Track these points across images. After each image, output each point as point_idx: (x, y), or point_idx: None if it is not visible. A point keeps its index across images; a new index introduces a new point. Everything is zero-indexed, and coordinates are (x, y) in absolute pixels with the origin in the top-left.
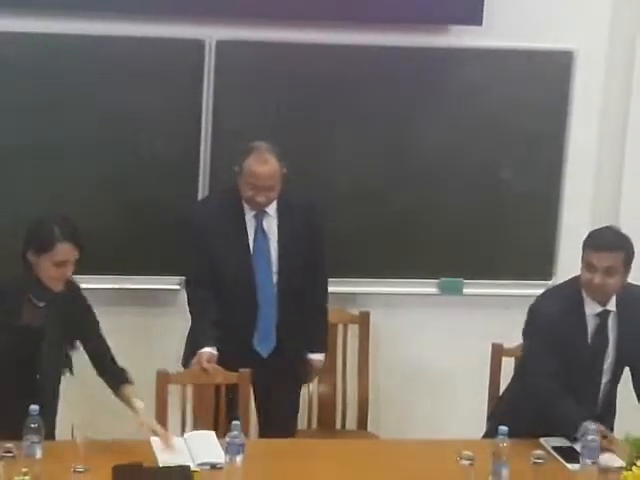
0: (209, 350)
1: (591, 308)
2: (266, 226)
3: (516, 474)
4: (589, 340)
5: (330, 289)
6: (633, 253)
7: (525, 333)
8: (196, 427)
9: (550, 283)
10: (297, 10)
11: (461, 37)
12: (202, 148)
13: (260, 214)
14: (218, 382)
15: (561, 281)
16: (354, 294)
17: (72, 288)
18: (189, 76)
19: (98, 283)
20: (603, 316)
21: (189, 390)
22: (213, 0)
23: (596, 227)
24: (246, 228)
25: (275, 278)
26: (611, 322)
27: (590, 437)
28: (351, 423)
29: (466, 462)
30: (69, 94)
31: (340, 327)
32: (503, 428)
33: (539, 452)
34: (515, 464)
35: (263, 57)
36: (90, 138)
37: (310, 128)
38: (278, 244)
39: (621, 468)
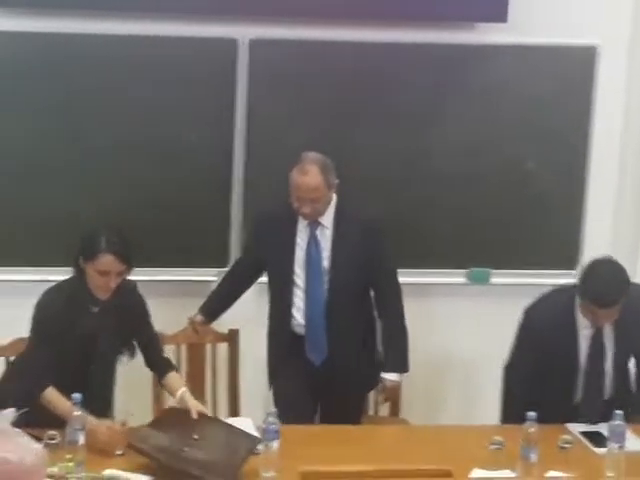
0: (200, 317)
1: (582, 321)
2: (320, 237)
3: (544, 458)
4: (583, 348)
5: None
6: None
7: (517, 333)
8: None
9: (574, 272)
10: (326, 9)
11: (486, 34)
12: (236, 142)
13: (314, 224)
14: (209, 340)
15: None
16: None
17: (126, 289)
18: (223, 73)
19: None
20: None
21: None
22: (246, 1)
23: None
24: (295, 238)
25: (326, 289)
26: (607, 328)
27: (616, 422)
28: (383, 409)
29: (496, 447)
30: (109, 92)
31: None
32: (531, 414)
33: (567, 437)
34: (543, 449)
35: (294, 55)
36: (129, 134)
37: (339, 122)
38: (331, 256)
39: None
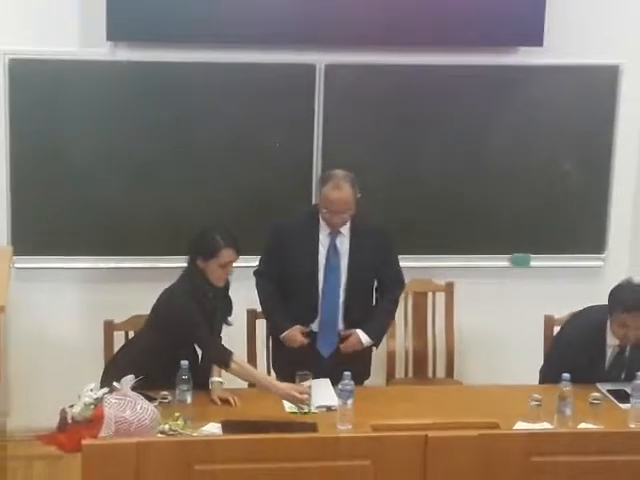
0: (295, 329)
1: (611, 339)
2: (339, 245)
3: (577, 412)
4: (606, 366)
5: (420, 264)
6: None
7: (554, 340)
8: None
9: (602, 256)
10: (390, 37)
11: (526, 56)
12: (314, 155)
13: (334, 233)
14: None
15: (611, 254)
16: (441, 268)
17: (226, 283)
18: (303, 93)
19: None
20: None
21: None
22: (322, 30)
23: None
24: (318, 245)
25: (342, 292)
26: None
27: (638, 382)
28: (440, 372)
29: (535, 403)
30: (209, 109)
31: (429, 295)
32: (566, 375)
33: (596, 394)
34: (576, 404)
35: (362, 76)
36: (225, 145)
37: (400, 134)
38: (349, 262)
39: None
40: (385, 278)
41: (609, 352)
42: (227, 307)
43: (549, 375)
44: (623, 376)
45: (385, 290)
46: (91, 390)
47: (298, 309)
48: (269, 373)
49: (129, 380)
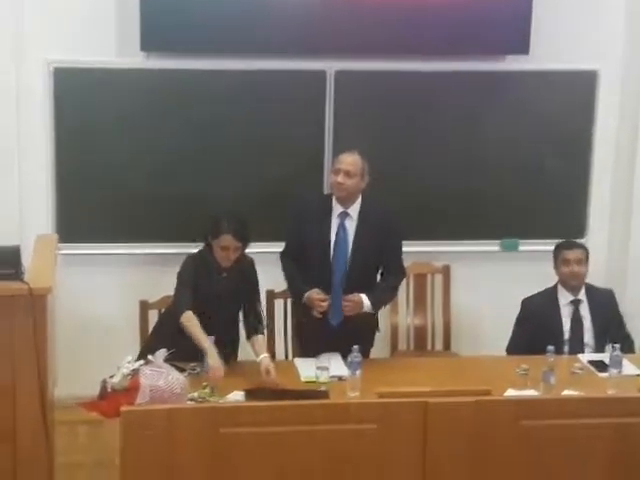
0: (313, 291)
1: (564, 297)
2: (347, 225)
3: (560, 381)
4: (565, 323)
5: (420, 248)
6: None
7: (515, 322)
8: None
9: (583, 240)
10: (394, 46)
11: (512, 63)
12: (325, 154)
13: (344, 215)
14: None
15: (590, 239)
16: (438, 252)
17: (246, 263)
18: (314, 98)
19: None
20: (575, 303)
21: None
22: (332, 38)
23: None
24: (330, 224)
25: (347, 264)
26: (582, 308)
27: (615, 353)
28: (438, 345)
29: (523, 372)
30: (227, 115)
31: (429, 276)
32: (550, 347)
33: (577, 364)
34: (559, 374)
35: (370, 82)
36: (243, 148)
37: (404, 134)
38: (353, 240)
39: (638, 375)
40: (387, 264)
41: (565, 312)
42: (242, 295)
43: (512, 348)
44: (584, 335)
45: (386, 276)
46: (128, 362)
47: (314, 281)
48: (286, 347)
49: (162, 353)
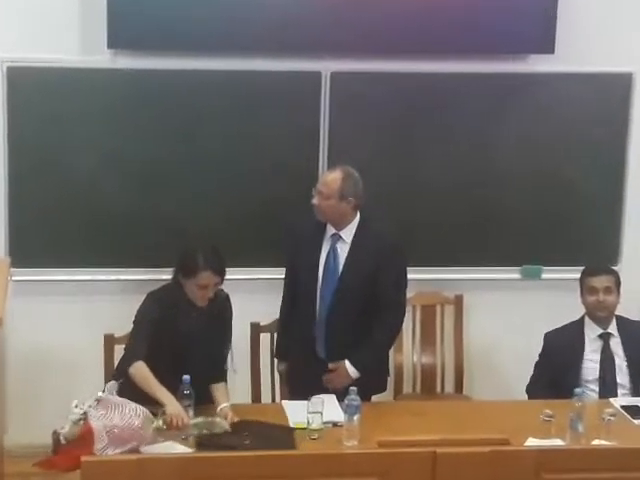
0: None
1: (591, 330)
2: (339, 249)
3: (590, 429)
4: (594, 361)
5: (428, 275)
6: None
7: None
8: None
9: (616, 268)
10: (395, 45)
11: (537, 64)
12: (320, 160)
13: (335, 237)
14: None
15: (625, 265)
16: (450, 280)
17: (220, 298)
18: (309, 100)
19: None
20: (605, 337)
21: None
22: (328, 38)
23: None
24: (320, 248)
25: (333, 296)
26: (613, 343)
27: None
28: (449, 387)
29: (547, 419)
30: (211, 119)
31: (438, 308)
32: (578, 390)
33: (609, 410)
34: (589, 421)
35: (367, 84)
36: (228, 156)
37: (411, 143)
38: (343, 268)
39: None
40: (379, 300)
41: (593, 348)
42: (217, 336)
43: (535, 388)
44: (616, 375)
45: (379, 316)
46: (75, 406)
47: (302, 313)
48: (273, 387)
49: (112, 386)
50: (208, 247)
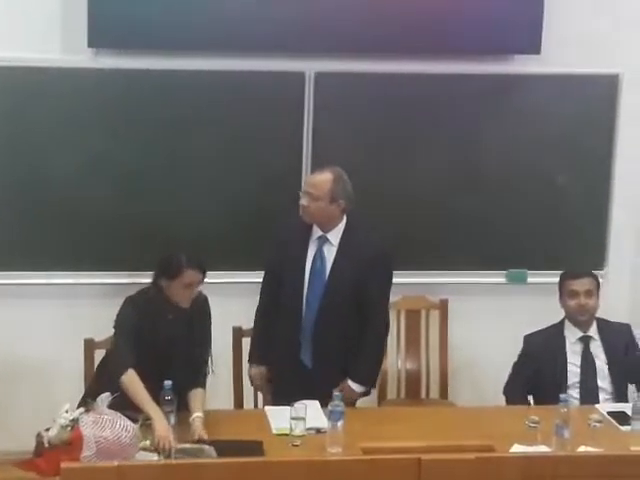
0: (258, 369)
1: (571, 334)
2: (326, 252)
3: (576, 435)
4: (574, 365)
5: (412, 279)
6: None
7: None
8: None
9: (602, 272)
10: (380, 45)
11: (522, 65)
12: (304, 163)
13: (322, 240)
14: None
15: (611, 270)
16: (434, 284)
17: (199, 301)
18: (293, 101)
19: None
20: (585, 341)
21: None
22: (312, 38)
23: None
24: (306, 251)
25: (320, 300)
26: (594, 347)
27: (639, 402)
28: (434, 393)
29: (532, 425)
30: (193, 119)
31: (423, 312)
32: (563, 396)
33: (595, 416)
34: (575, 427)
35: (352, 85)
36: (215, 153)
37: (391, 143)
38: (330, 271)
39: None
40: (365, 309)
41: (573, 351)
42: (196, 339)
43: (512, 388)
44: (597, 378)
45: (368, 322)
46: (66, 411)
47: (286, 317)
48: (256, 393)
49: (106, 397)
50: (189, 245)
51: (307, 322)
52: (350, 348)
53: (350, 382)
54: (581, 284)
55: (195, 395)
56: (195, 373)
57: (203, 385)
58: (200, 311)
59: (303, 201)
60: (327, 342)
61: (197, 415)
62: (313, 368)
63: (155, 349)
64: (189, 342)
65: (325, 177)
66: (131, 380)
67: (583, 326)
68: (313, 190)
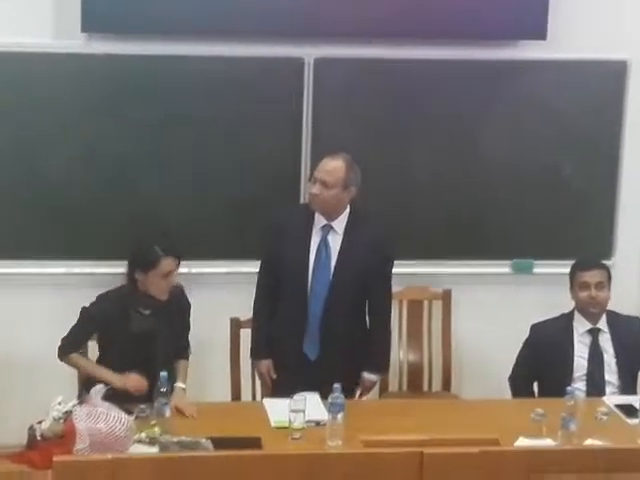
0: (266, 362)
1: (580, 325)
2: (330, 241)
3: (583, 428)
4: (582, 357)
5: (415, 269)
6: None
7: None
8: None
9: (610, 263)
10: (381, 30)
11: (527, 50)
12: (303, 152)
13: (326, 229)
14: None
15: (619, 260)
16: (438, 274)
17: (176, 291)
18: (292, 88)
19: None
20: (594, 333)
21: None
22: (311, 23)
23: None
24: (310, 240)
25: (327, 289)
26: (602, 339)
27: None
28: (436, 386)
29: (538, 418)
30: (188, 107)
31: (425, 303)
32: (569, 388)
33: (603, 409)
34: (582, 420)
35: (353, 71)
36: (210, 142)
37: (393, 130)
38: (337, 260)
39: None
40: (374, 292)
41: (582, 343)
42: (176, 333)
43: (516, 377)
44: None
45: (375, 310)
46: (59, 404)
47: (289, 309)
48: (254, 385)
49: (99, 389)
50: (158, 234)
51: (313, 314)
52: (357, 337)
53: (366, 374)
54: (592, 276)
55: (178, 366)
56: (180, 348)
57: (186, 357)
58: (179, 305)
59: (314, 189)
60: (336, 333)
61: (178, 385)
62: (317, 360)
63: (135, 345)
64: (169, 336)
65: (338, 164)
66: (73, 360)
67: (593, 318)
68: (328, 177)
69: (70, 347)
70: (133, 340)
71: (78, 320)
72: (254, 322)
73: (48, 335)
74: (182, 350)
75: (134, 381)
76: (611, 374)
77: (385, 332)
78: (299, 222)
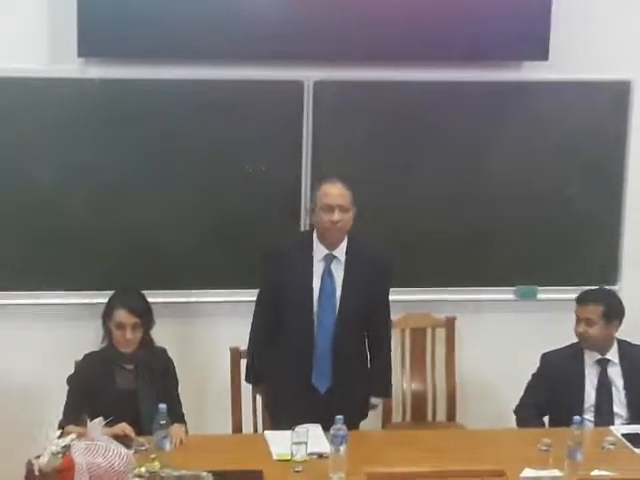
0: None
1: (590, 356)
2: (334, 269)
3: (589, 458)
4: (591, 388)
5: (417, 296)
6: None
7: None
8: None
9: (615, 288)
10: (381, 53)
11: (530, 71)
12: (303, 175)
13: (329, 257)
14: None
15: (625, 286)
16: (441, 301)
17: (158, 351)
18: (291, 111)
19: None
20: (602, 364)
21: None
22: (310, 46)
23: None
24: (312, 270)
25: (335, 319)
26: (612, 371)
27: None
28: (441, 415)
29: (544, 448)
30: (187, 131)
31: (428, 331)
32: (577, 418)
33: (610, 438)
34: (588, 450)
35: (352, 93)
36: (208, 166)
37: (394, 153)
38: (342, 288)
39: None
40: (373, 319)
41: (591, 374)
42: (159, 392)
43: (524, 409)
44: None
45: (376, 335)
46: (58, 438)
47: (294, 341)
48: (255, 416)
49: (99, 422)
50: (129, 289)
51: (321, 346)
52: (366, 365)
53: (374, 399)
54: (583, 311)
55: (172, 428)
56: (174, 412)
57: (182, 422)
58: (162, 366)
59: (336, 216)
60: (349, 363)
61: (177, 425)
62: (328, 392)
63: (123, 401)
64: (154, 397)
65: (341, 186)
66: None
67: (597, 349)
68: (343, 201)
69: (65, 422)
70: (120, 396)
71: (67, 391)
72: (251, 349)
73: (43, 368)
74: (178, 419)
75: (122, 427)
76: (620, 406)
77: (388, 354)
78: (299, 252)
